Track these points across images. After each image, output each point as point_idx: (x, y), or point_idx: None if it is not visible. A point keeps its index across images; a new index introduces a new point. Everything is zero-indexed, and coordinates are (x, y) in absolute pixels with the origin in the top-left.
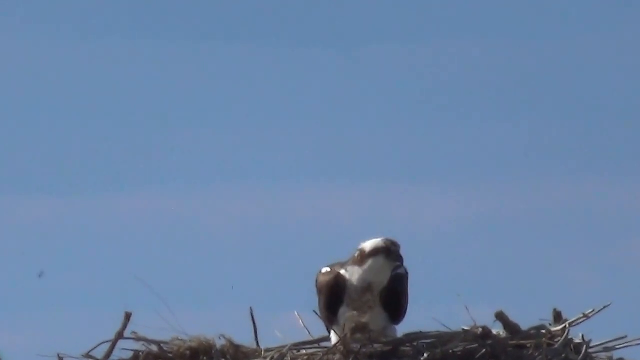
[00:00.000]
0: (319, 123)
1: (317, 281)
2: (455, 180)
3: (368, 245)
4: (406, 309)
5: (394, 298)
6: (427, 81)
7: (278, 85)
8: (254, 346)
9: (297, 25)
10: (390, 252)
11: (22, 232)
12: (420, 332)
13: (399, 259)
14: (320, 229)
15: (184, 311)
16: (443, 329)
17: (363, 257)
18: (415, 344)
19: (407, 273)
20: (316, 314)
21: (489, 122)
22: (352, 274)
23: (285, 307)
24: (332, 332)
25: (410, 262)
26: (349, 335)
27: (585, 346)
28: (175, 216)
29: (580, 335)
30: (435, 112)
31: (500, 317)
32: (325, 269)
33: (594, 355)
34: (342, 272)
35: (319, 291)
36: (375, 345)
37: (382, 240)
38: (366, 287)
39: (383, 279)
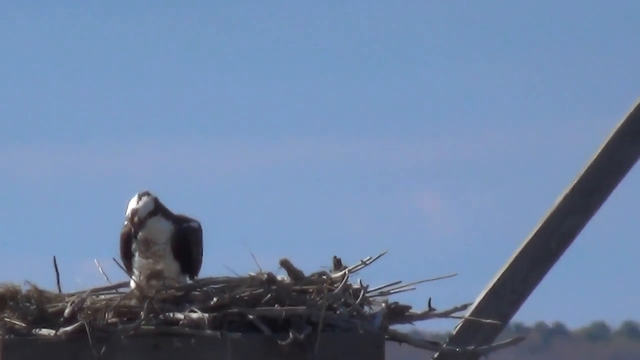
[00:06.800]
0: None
1: None
2: (247, 133)
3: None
4: (200, 261)
5: (183, 249)
6: None
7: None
8: (57, 291)
9: None
10: (143, 209)
11: None
12: (210, 277)
13: (155, 208)
14: (122, 183)
15: None
16: (232, 275)
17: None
18: (205, 289)
19: (199, 226)
20: (116, 261)
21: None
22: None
23: (87, 255)
24: (132, 280)
25: (203, 212)
26: (144, 281)
27: (363, 291)
28: None
29: (359, 281)
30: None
31: (285, 264)
32: (126, 221)
33: (371, 299)
34: None
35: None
36: (169, 291)
37: (136, 196)
38: (147, 241)
39: (155, 231)
